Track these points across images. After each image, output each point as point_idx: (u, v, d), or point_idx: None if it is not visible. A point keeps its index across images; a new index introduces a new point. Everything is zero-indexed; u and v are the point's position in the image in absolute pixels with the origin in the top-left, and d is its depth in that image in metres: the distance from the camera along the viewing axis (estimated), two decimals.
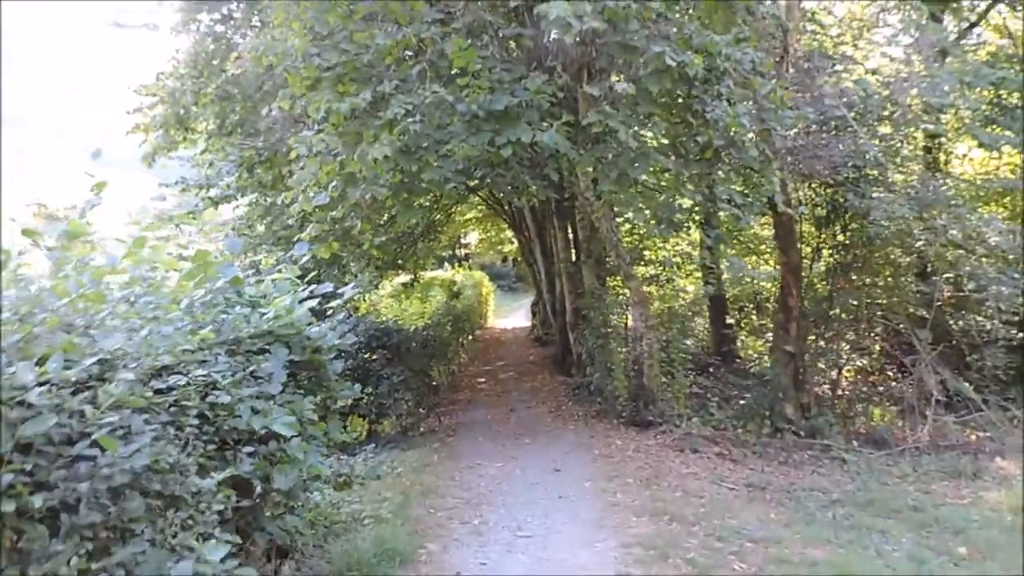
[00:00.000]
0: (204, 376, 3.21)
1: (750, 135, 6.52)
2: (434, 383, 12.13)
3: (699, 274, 16.54)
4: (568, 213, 14.35)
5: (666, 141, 7.15)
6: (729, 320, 16.61)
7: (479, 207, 25.72)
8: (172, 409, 2.96)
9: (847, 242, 10.87)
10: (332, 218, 7.42)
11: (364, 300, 16.45)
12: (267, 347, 4.06)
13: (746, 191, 7.05)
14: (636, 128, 6.15)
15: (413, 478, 7.30)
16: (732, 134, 6.33)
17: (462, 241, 36.74)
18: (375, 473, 6.37)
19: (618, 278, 14.79)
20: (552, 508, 6.29)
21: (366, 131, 5.82)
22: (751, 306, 18.26)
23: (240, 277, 4.25)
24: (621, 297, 13.25)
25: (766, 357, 17.47)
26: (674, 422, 9.68)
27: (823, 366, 11.54)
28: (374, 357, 9.33)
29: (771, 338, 17.61)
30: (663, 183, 8.15)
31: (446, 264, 36.12)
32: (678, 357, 10.02)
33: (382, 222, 12.64)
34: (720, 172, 6.58)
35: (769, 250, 17.50)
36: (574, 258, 14.24)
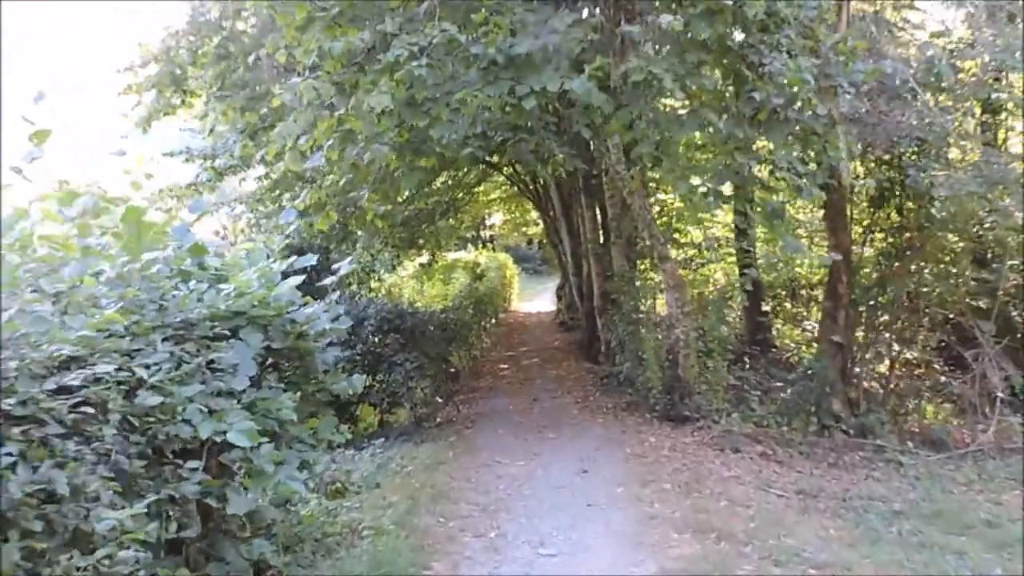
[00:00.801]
0: (123, 370, 2.44)
1: (813, 93, 5.59)
2: (453, 369, 11.40)
3: (731, 258, 15.59)
4: (596, 190, 13.48)
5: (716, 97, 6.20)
6: (764, 307, 15.60)
7: (503, 186, 24.92)
8: (73, 416, 2.20)
9: (901, 224, 9.87)
10: (332, 183, 6.52)
11: (378, 280, 15.83)
12: (233, 332, 3.29)
13: (806, 159, 6.10)
14: (683, 79, 5.23)
15: (423, 478, 6.57)
16: (793, 91, 5.41)
17: (486, 222, 35.98)
18: (374, 481, 5.62)
19: (649, 261, 13.93)
20: (580, 518, 5.51)
21: (363, 80, 4.99)
22: (784, 293, 17.25)
23: (202, 245, 3.48)
24: (651, 281, 12.40)
25: (804, 347, 16.61)
26: (712, 417, 8.85)
27: (871, 358, 10.57)
28: (387, 342, 8.59)
29: (812, 327, 16.76)
30: (709, 148, 7.18)
31: (469, 245, 35.45)
32: (717, 347, 9.15)
33: (395, 196, 11.90)
34: (777, 136, 5.64)
35: (807, 233, 16.51)
36: (602, 239, 13.37)
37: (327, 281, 4.48)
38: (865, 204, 9.76)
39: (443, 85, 5.09)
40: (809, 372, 9.55)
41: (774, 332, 16.00)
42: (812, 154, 6.02)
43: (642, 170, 9.85)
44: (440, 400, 10.18)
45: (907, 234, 10.11)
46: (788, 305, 16.97)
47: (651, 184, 12.19)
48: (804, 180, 5.42)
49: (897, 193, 9.49)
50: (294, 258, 3.92)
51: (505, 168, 19.41)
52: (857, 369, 10.15)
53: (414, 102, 5.04)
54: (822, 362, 9.64)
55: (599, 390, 11.41)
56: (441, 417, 9.86)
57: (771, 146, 6.25)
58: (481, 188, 25.96)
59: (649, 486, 6.33)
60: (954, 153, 10.14)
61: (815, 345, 16.61)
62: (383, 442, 7.80)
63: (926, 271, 10.39)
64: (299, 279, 3.86)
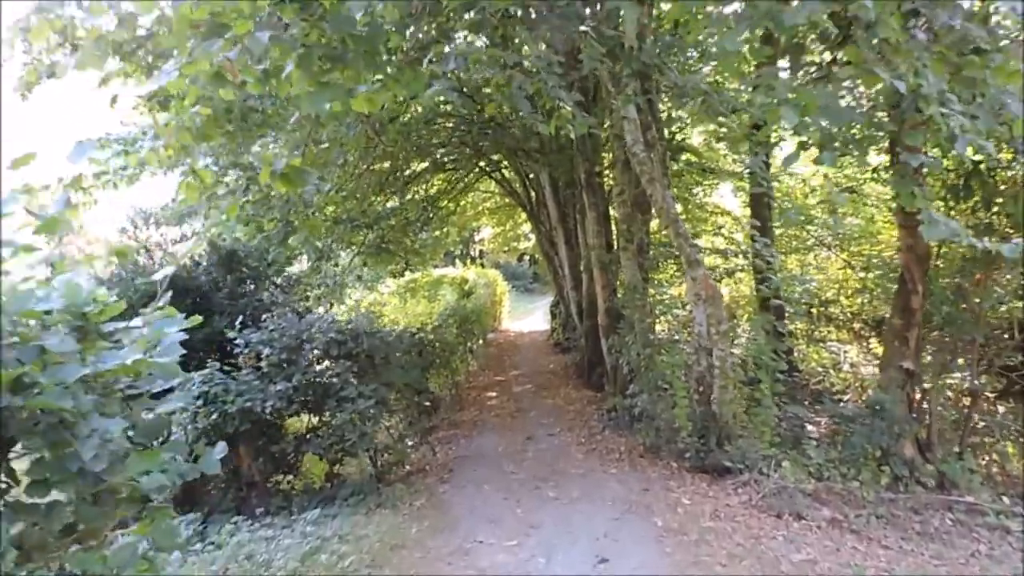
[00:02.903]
0: None
1: None
2: (427, 403, 9.33)
3: (741, 271, 13.71)
4: (600, 190, 11.55)
5: None
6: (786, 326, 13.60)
7: (493, 196, 23.04)
8: None
9: (989, 223, 7.91)
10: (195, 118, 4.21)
11: (345, 296, 13.79)
12: None
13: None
14: None
15: None
16: None
17: (475, 237, 34.08)
18: None
19: (662, 272, 11.97)
20: None
21: None
22: (805, 309, 15.32)
23: None
24: (668, 296, 10.42)
25: (833, 371, 14.66)
26: (760, 468, 6.86)
27: (941, 389, 8.59)
28: (339, 370, 6.55)
29: (836, 348, 14.85)
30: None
31: (457, 261, 33.52)
32: (764, 375, 7.15)
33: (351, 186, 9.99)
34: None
35: (836, 240, 14.65)
36: (608, 246, 11.40)
37: (157, 276, 2.46)
38: (942, 193, 7.80)
39: None
40: (876, 407, 7.55)
41: (796, 354, 14.09)
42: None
43: (665, 147, 7.96)
44: (410, 443, 8.13)
45: (997, 235, 8.13)
46: (799, 325, 15.07)
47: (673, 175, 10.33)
48: (975, 122, 3.43)
49: (985, 182, 7.55)
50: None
51: (494, 163, 17.59)
52: (931, 403, 8.15)
53: None
54: (889, 394, 7.65)
55: (606, 426, 9.38)
56: (411, 465, 7.81)
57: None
58: (469, 199, 24.19)
59: None
60: None
61: (845, 370, 14.84)
62: (323, 509, 5.76)
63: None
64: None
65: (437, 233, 21.99)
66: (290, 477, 6.69)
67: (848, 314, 14.84)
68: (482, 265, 34.87)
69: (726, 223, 15.57)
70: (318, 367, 6.52)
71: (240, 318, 6.91)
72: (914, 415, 8.12)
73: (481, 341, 19.46)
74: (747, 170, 10.15)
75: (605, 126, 9.25)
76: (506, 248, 34.59)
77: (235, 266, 8.21)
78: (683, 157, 13.29)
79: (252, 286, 8.49)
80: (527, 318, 30.42)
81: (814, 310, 14.22)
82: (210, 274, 8.06)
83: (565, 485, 6.85)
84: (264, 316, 6.55)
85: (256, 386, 6.04)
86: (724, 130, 13.61)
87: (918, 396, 8.23)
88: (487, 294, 24.97)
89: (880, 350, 15.97)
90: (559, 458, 8.03)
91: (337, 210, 10.12)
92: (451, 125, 11.83)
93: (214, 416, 5.66)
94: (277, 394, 6.01)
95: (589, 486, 6.75)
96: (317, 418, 6.52)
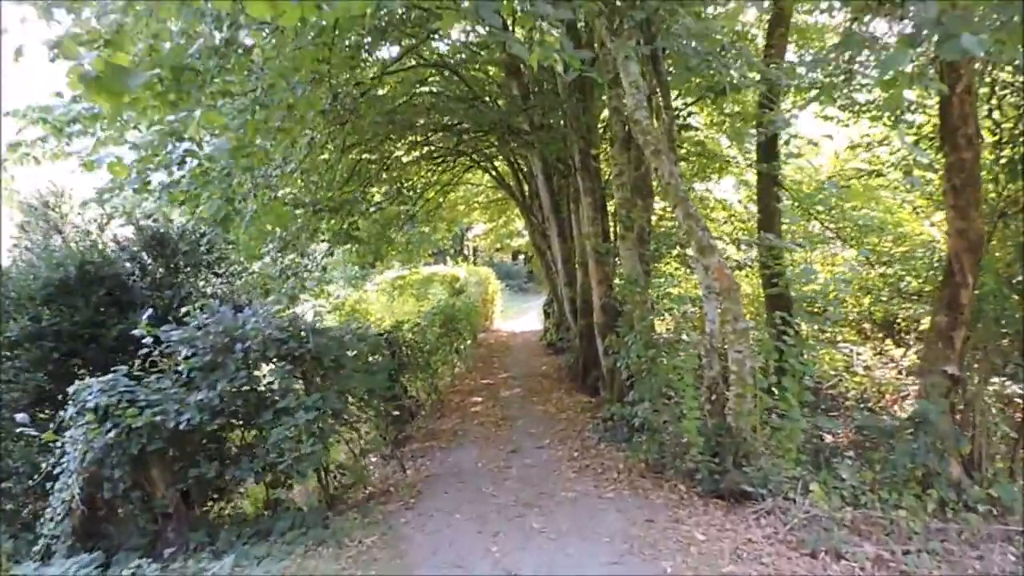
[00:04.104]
0: None
1: None
2: (395, 412, 8.17)
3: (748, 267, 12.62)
4: (596, 173, 10.43)
5: None
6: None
7: (487, 187, 21.92)
8: None
9: None
10: None
11: (323, 292, 12.63)
12: None
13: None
14: None
15: None
16: None
17: (468, 234, 32.97)
18: None
19: (666, 264, 10.85)
20: None
21: None
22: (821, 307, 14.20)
23: None
24: (674, 289, 9.32)
25: (847, 376, 13.57)
26: (784, 492, 5.74)
27: (991, 398, 7.48)
28: (275, 377, 5.40)
29: (849, 350, 13.78)
30: None
31: (448, 259, 32.44)
32: (792, 383, 6.02)
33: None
34: None
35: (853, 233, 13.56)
36: (604, 235, 10.28)
37: None
38: (996, 172, 6.69)
39: None
40: (919, 420, 6.43)
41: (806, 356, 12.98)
42: None
43: (672, 116, 6.88)
44: (374, 459, 7.00)
45: None
46: (805, 325, 13.97)
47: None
48: None
49: None
50: None
51: (485, 155, 16.50)
52: (977, 414, 7.04)
53: None
54: (935, 405, 6.53)
55: (602, 438, 8.26)
56: (372, 486, 6.68)
57: None
58: (460, 194, 23.07)
59: None
60: None
61: (861, 374, 13.73)
62: (253, 546, 4.62)
63: None
64: None
65: (425, 229, 20.91)
66: (222, 504, 5.55)
67: (857, 314, 13.81)
68: (475, 262, 33.80)
69: (729, 219, 14.51)
70: (256, 372, 5.38)
71: (175, 311, 5.79)
72: (960, 428, 7.04)
73: (469, 342, 18.34)
74: (762, 136, 8.99)
75: (603, 88, 8.14)
76: (499, 245, 33.53)
77: (164, 251, 7.06)
78: (688, 136, 12.20)
79: (187, 275, 7.34)
80: (520, 318, 29.34)
81: (820, 309, 13.18)
82: (136, 260, 6.92)
83: (553, 513, 5.72)
84: (184, 310, 5.41)
85: (172, 395, 4.90)
86: (729, 110, 12.56)
87: (964, 407, 7.14)
88: (478, 292, 23.90)
89: (895, 352, 14.93)
90: (547, 477, 6.90)
91: (300, 192, 8.99)
92: (431, 101, 10.72)
93: (111, 434, 4.53)
94: (198, 405, 4.87)
95: (581, 515, 5.62)
96: (254, 433, 5.38)
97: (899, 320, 14.17)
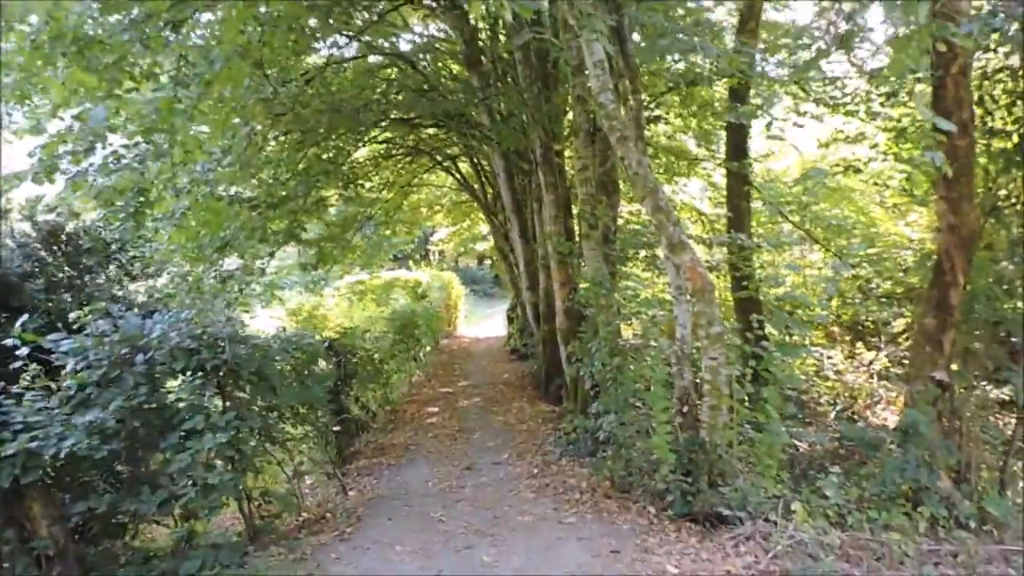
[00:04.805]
0: None
1: None
2: (336, 428, 7.43)
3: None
4: (558, 168, 9.83)
5: None
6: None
7: (451, 189, 21.22)
8: None
9: None
10: None
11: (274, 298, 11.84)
12: None
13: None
14: None
15: None
16: None
17: (431, 238, 32.17)
18: None
19: (632, 266, 10.29)
20: None
21: None
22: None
23: None
24: (640, 291, 8.76)
25: (820, 382, 13.18)
26: (765, 515, 5.17)
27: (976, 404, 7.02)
28: (182, 393, 4.66)
29: (819, 354, 13.38)
30: None
31: (411, 263, 31.64)
32: (770, 392, 5.44)
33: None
34: None
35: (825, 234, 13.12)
36: (568, 234, 9.68)
37: None
38: (986, 164, 6.21)
39: None
40: (908, 431, 5.91)
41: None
42: None
43: (640, 102, 6.30)
44: (309, 480, 6.27)
45: None
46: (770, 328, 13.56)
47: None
48: None
49: None
50: None
51: (447, 156, 15.86)
52: (965, 423, 6.55)
53: None
54: (923, 413, 6.02)
55: (564, 452, 7.62)
56: (308, 511, 5.96)
57: None
58: (423, 195, 22.36)
59: None
60: None
61: (833, 379, 13.30)
62: None
63: None
64: None
65: (386, 232, 20.17)
66: (127, 540, 4.78)
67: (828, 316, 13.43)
68: (441, 267, 33.03)
69: (699, 219, 14.05)
70: (163, 388, 4.63)
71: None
72: (957, 440, 6.57)
73: (428, 348, 17.62)
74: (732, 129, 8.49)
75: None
76: (463, 249, 32.85)
77: (64, 249, 6.24)
78: (656, 132, 11.68)
79: (94, 276, 6.52)
80: (485, 323, 28.68)
81: (791, 310, 12.77)
82: (32, 258, 6.08)
83: (507, 543, 5.06)
84: (74, 315, 4.64)
85: (56, 416, 4.15)
86: (698, 103, 12.07)
87: (950, 415, 6.66)
88: (441, 297, 23.17)
89: (866, 355, 14.56)
90: (503, 498, 6.25)
91: (241, 189, 8.25)
92: (383, 90, 10.04)
93: None
94: (87, 428, 4.12)
95: (539, 545, 4.97)
96: (163, 458, 4.62)
97: (866, 323, 13.83)
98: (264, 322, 18.07)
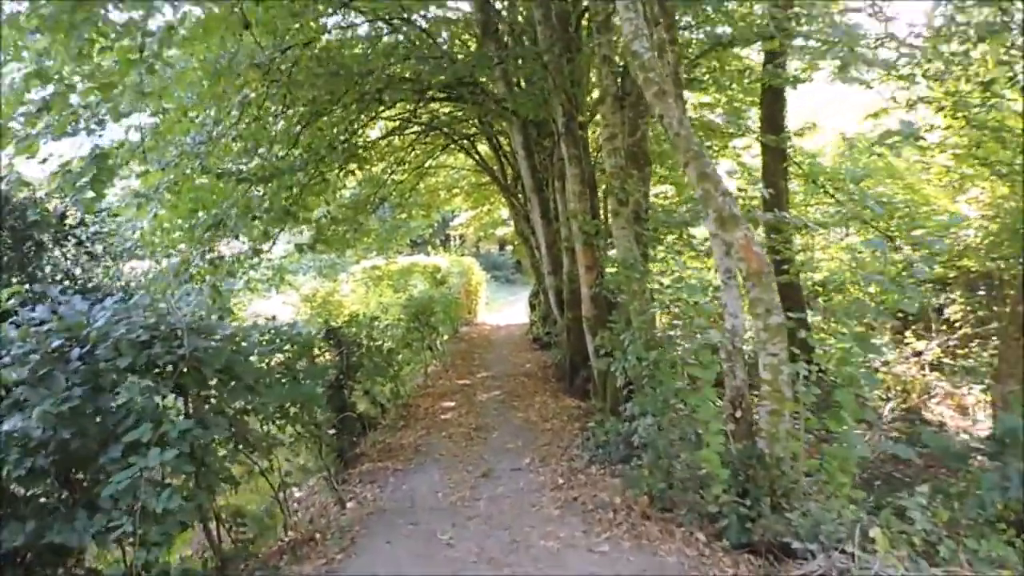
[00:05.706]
0: None
1: None
2: (331, 431, 6.61)
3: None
4: (582, 140, 8.91)
5: None
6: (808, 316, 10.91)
7: (470, 171, 20.34)
8: None
9: None
10: None
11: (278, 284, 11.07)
12: None
13: None
14: None
15: None
16: None
17: (451, 223, 31.33)
18: None
19: (665, 246, 9.35)
20: None
21: None
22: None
23: None
24: (682, 275, 7.79)
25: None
26: (839, 544, 4.24)
27: None
28: (130, 395, 3.85)
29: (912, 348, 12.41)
30: None
31: (430, 248, 30.90)
32: (846, 395, 4.50)
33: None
34: None
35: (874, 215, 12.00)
36: (593, 213, 8.76)
37: None
38: None
39: None
40: (1004, 441, 4.93)
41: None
42: None
43: (678, 53, 5.36)
44: (299, 494, 5.45)
45: None
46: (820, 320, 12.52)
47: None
48: None
49: None
50: None
51: (466, 136, 15.00)
52: None
53: None
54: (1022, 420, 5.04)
55: (593, 457, 6.75)
56: (300, 529, 5.14)
57: None
58: (440, 178, 21.53)
59: None
60: None
61: (880, 370, 12.25)
62: None
63: None
64: None
65: (404, 215, 19.38)
66: (71, 569, 3.98)
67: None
68: (460, 253, 32.20)
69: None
70: (112, 390, 3.81)
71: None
72: None
73: (446, 337, 16.81)
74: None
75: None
76: (483, 234, 31.99)
77: (6, 221, 5.43)
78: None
79: (37, 253, 5.70)
80: (506, 310, 27.88)
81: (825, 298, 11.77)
82: None
83: (531, 570, 4.20)
84: (9, 298, 3.83)
85: None
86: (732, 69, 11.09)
87: None
88: (460, 283, 22.36)
89: (916, 345, 13.46)
90: (523, 514, 5.39)
91: (226, 160, 7.44)
92: (388, 51, 9.15)
93: None
94: (3, 438, 3.32)
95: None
96: (103, 477, 3.81)
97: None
98: (277, 307, 17.42)
